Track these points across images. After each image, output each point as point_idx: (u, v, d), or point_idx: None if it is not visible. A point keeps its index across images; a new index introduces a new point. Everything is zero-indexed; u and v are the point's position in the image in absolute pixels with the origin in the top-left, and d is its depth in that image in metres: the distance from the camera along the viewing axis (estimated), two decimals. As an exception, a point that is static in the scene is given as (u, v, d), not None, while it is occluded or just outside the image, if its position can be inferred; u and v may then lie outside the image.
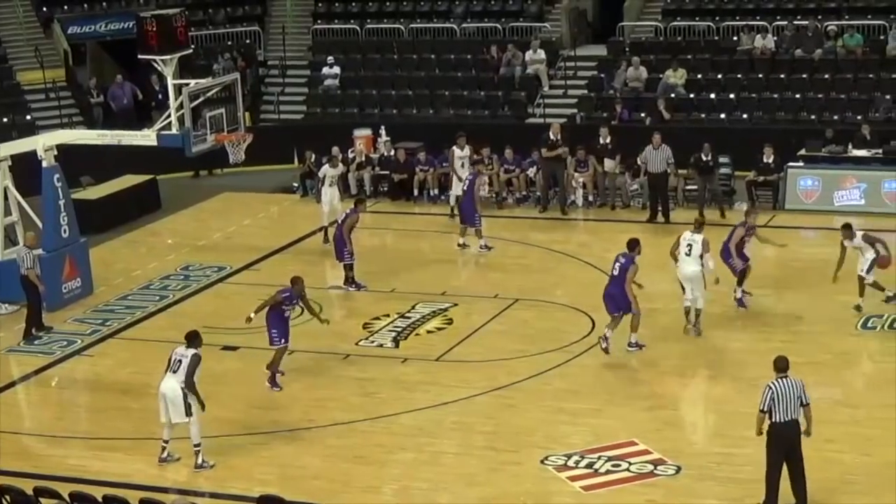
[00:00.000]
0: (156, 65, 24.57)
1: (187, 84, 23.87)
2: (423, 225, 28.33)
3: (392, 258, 25.67)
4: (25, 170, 24.25)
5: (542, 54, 34.43)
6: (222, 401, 18.09)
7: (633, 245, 19.70)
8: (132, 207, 29.60)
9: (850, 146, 28.24)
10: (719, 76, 32.82)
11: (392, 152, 30.47)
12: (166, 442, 16.88)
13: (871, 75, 31.62)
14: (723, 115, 31.81)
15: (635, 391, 18.73)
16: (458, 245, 25.82)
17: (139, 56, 24.46)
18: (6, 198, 23.85)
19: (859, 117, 30.00)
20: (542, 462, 16.45)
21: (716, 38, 34.23)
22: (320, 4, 39.25)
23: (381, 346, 20.91)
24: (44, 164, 23.59)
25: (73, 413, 19.56)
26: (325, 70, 35.87)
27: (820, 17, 33.62)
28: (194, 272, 25.25)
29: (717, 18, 34.84)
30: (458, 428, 17.73)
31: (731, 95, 32.18)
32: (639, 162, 27.58)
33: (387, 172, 30.38)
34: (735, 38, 33.81)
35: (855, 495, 15.30)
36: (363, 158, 30.61)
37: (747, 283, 21.44)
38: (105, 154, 28.05)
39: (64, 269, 23.68)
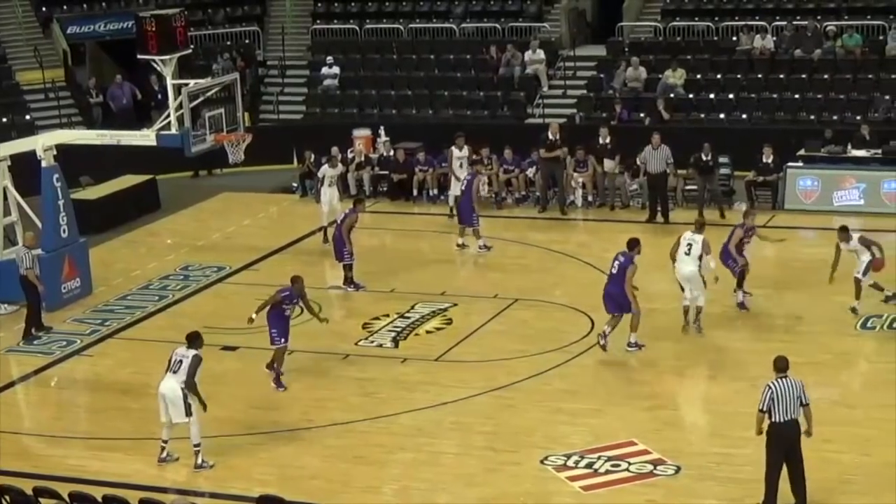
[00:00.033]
0: (155, 65, 24.52)
1: (186, 84, 23.86)
2: (422, 225, 28.32)
3: (391, 258, 25.65)
4: (25, 170, 24.23)
5: (541, 54, 34.42)
6: (222, 401, 18.04)
7: (633, 244, 19.69)
8: (131, 207, 29.59)
9: (849, 146, 28.23)
10: (718, 76, 32.80)
11: (391, 152, 30.46)
12: (165, 442, 16.89)
13: (870, 75, 31.61)
14: (722, 116, 31.79)
15: (635, 391, 18.72)
16: (458, 245, 25.81)
17: (138, 56, 24.42)
18: (5, 198, 23.81)
19: (858, 117, 30.00)
20: (541, 462, 16.44)
21: (715, 38, 34.21)
22: (319, 4, 39.22)
23: (380, 346, 20.91)
24: (43, 164, 23.58)
25: (72, 413, 19.55)
26: (325, 70, 35.84)
27: (819, 17, 33.59)
28: (194, 272, 25.24)
29: (717, 18, 34.82)
30: (457, 428, 17.72)
31: (731, 95, 32.16)
32: (638, 162, 27.57)
33: (386, 172, 30.37)
34: (734, 39, 33.79)
35: (853, 495, 15.29)
36: (362, 158, 30.60)
37: (747, 284, 21.43)
38: (104, 154, 28.04)
39: (63, 270, 23.66)
